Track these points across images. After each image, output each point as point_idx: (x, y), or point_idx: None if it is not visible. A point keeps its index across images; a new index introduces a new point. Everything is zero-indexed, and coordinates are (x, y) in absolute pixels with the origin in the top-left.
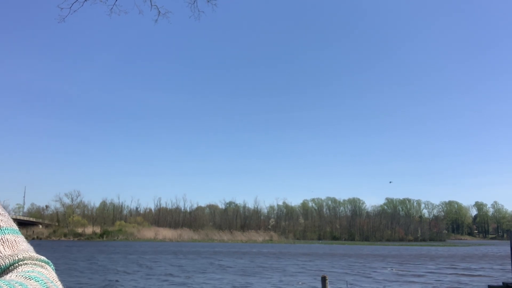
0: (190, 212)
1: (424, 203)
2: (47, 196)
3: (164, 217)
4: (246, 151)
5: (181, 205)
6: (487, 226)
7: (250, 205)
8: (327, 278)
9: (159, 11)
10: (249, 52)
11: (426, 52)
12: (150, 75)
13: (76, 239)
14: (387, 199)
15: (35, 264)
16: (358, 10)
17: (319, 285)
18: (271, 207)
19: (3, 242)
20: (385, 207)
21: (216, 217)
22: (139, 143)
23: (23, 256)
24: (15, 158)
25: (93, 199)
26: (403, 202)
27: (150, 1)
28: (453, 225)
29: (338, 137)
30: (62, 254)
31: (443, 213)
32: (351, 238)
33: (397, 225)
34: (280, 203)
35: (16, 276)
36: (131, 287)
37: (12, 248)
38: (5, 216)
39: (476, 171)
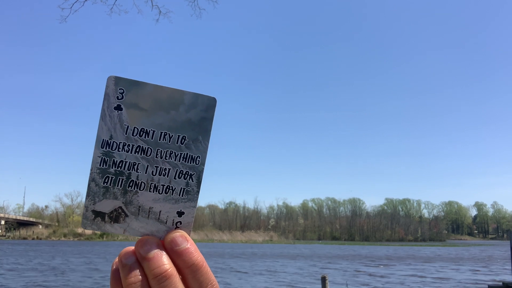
0: None
1: (424, 203)
2: (47, 196)
3: None
4: (246, 152)
5: None
6: (487, 226)
7: (250, 205)
8: (327, 278)
9: (160, 11)
10: (249, 53)
11: (425, 53)
12: (150, 75)
13: (76, 239)
14: (387, 199)
15: None
16: (360, 12)
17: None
18: (271, 207)
19: None
20: (385, 207)
21: (216, 217)
22: None
23: None
24: (15, 158)
25: None
26: (403, 202)
27: (151, 1)
28: (453, 225)
29: (338, 137)
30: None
31: (443, 213)
32: (351, 238)
33: (397, 225)
34: (280, 203)
35: None
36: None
37: None
38: None
39: (476, 172)
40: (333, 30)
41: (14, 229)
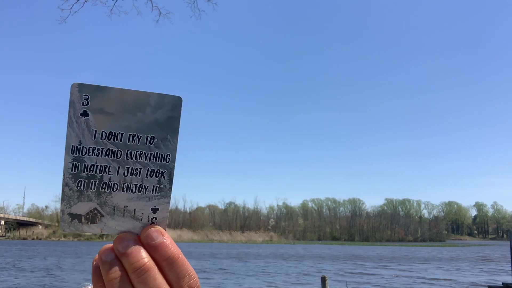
0: (190, 213)
1: (424, 204)
2: (47, 196)
3: None
4: (246, 152)
5: (181, 206)
6: (487, 227)
7: (250, 205)
8: (327, 278)
9: (160, 12)
10: (249, 53)
11: (425, 53)
12: (150, 75)
13: (76, 239)
14: (386, 199)
15: None
16: (360, 14)
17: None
18: (271, 208)
19: None
20: (385, 208)
21: (216, 217)
22: None
23: None
24: (15, 158)
25: None
26: (403, 202)
27: (151, 2)
28: (453, 225)
29: (338, 137)
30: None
31: (443, 214)
32: (351, 238)
33: (397, 226)
34: (280, 203)
35: None
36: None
37: None
38: None
39: (476, 172)
40: (334, 31)
41: (14, 229)
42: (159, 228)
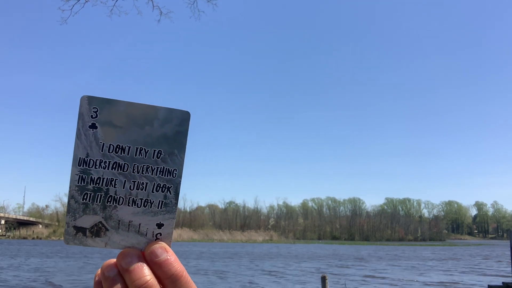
0: (190, 212)
1: (424, 203)
2: (47, 196)
3: None
4: (246, 151)
5: (181, 205)
6: (487, 226)
7: (250, 205)
8: (327, 277)
9: (161, 11)
10: (250, 53)
11: (425, 53)
12: (149, 75)
13: None
14: (387, 198)
15: None
16: (361, 14)
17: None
18: (271, 207)
19: None
20: (385, 207)
21: (216, 216)
22: None
23: None
24: (15, 158)
25: None
26: (403, 201)
27: (152, 1)
28: (453, 224)
29: (338, 137)
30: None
31: (443, 213)
32: (351, 238)
33: (397, 225)
34: (280, 202)
35: None
36: None
37: None
38: None
39: (476, 171)
40: (335, 31)
41: (14, 228)
42: (164, 244)
